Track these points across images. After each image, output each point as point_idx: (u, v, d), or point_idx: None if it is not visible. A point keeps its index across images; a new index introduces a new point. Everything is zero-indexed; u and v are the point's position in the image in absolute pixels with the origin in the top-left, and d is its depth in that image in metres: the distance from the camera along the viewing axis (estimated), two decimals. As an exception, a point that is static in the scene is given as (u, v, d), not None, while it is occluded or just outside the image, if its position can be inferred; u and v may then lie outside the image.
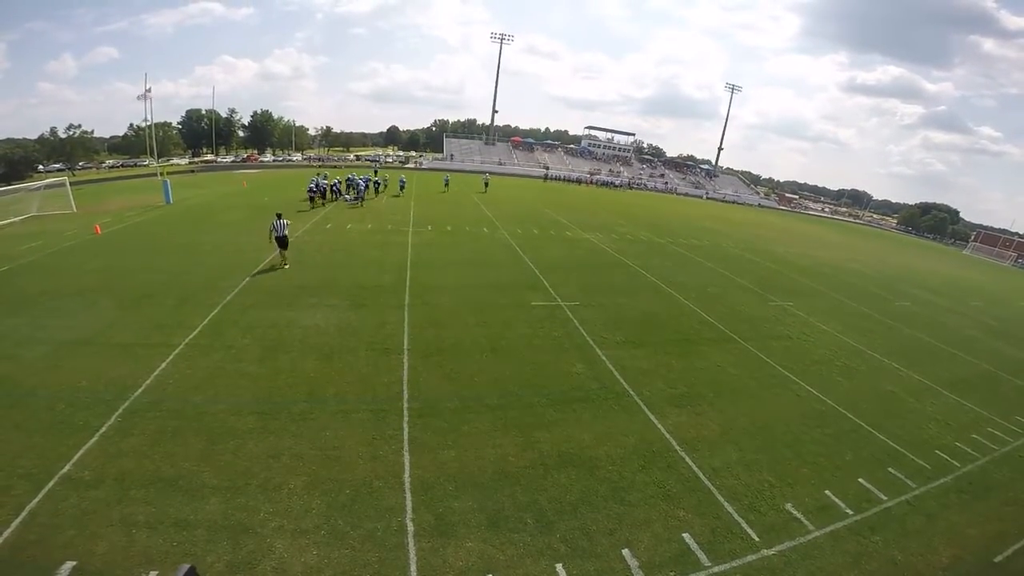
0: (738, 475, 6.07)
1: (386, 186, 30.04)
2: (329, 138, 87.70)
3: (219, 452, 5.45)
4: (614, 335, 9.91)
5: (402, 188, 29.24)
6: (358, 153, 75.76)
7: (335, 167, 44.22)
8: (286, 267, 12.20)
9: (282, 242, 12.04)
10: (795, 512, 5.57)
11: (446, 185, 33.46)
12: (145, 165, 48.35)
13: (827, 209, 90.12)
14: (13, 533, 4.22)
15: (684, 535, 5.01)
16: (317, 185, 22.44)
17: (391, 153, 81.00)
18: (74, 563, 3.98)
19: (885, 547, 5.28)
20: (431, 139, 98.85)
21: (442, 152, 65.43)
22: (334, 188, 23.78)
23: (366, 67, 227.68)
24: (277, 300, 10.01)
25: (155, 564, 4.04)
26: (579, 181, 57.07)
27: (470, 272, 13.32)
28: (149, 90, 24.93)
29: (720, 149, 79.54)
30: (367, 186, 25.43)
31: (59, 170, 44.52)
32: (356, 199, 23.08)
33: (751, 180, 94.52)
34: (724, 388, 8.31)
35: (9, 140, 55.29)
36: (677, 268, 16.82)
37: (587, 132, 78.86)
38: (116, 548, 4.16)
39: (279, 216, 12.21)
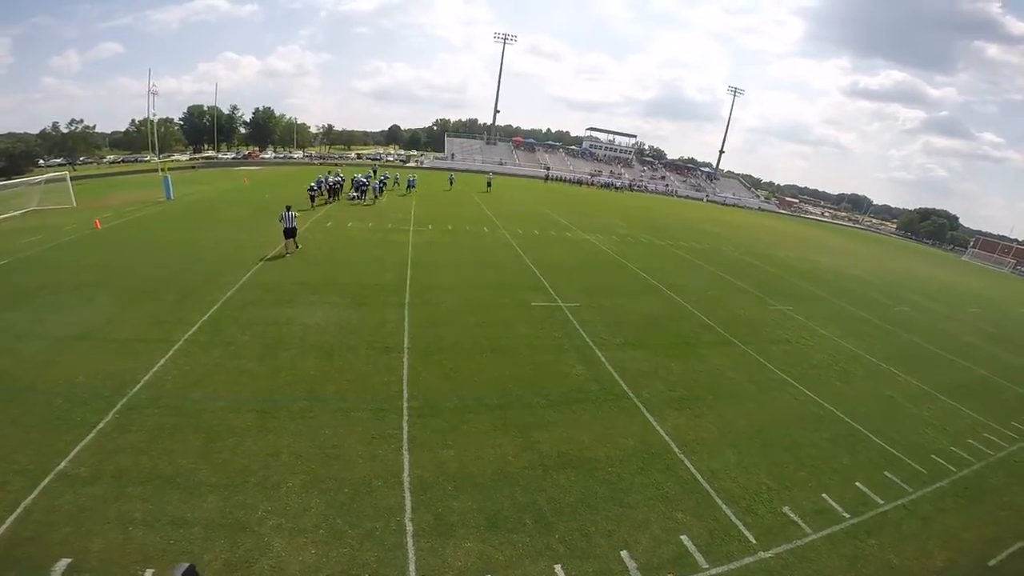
0: (736, 478, 6.08)
1: (396, 183, 30.36)
2: (331, 136, 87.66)
3: (217, 450, 5.43)
4: (614, 337, 9.91)
5: (409, 188, 28.79)
6: (359, 151, 75.69)
7: (336, 164, 44.19)
8: (287, 254, 12.96)
9: (290, 232, 12.98)
10: (792, 515, 5.58)
11: (451, 184, 34.16)
12: (146, 161, 48.26)
13: (827, 213, 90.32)
14: (8, 530, 4.20)
15: (682, 537, 5.01)
16: (320, 183, 22.21)
17: (392, 152, 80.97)
18: (69, 560, 3.96)
19: (881, 550, 5.29)
20: (432, 138, 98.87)
21: (443, 151, 65.44)
22: (338, 185, 23.31)
23: (369, 65, 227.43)
24: (277, 297, 10.00)
25: (152, 562, 4.03)
26: (580, 182, 57.06)
27: (471, 272, 13.33)
28: (154, 86, 24.91)
29: (721, 152, 79.71)
30: (382, 185, 25.74)
31: (60, 165, 44.43)
32: (360, 196, 23.07)
33: (752, 183, 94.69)
34: (723, 391, 8.33)
35: (11, 135, 55.14)
36: (677, 271, 16.85)
37: (588, 133, 78.94)
38: (112, 545, 4.14)
39: (288, 208, 13.12)
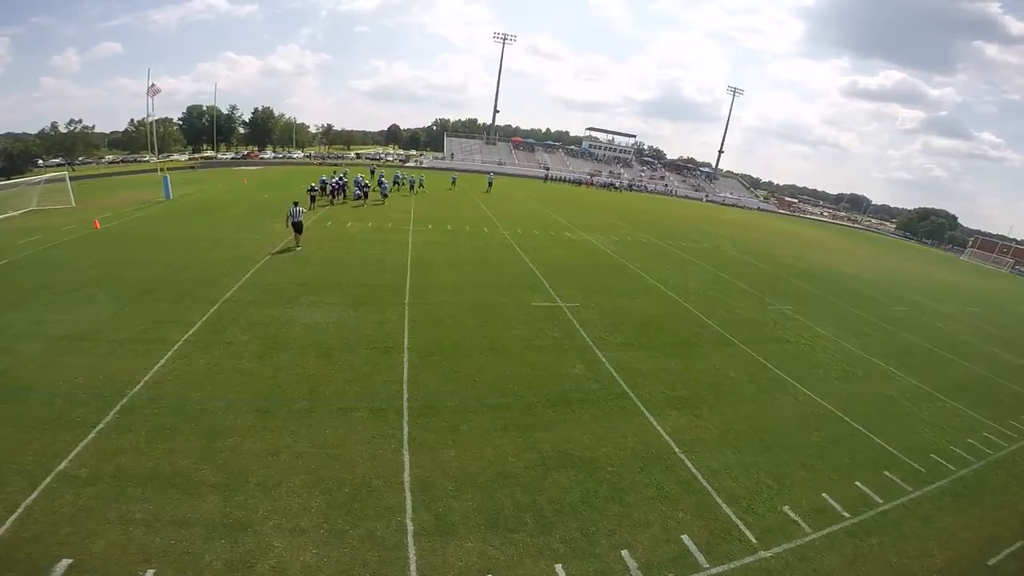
0: (736, 477, 6.09)
1: (405, 185, 28.66)
2: (330, 136, 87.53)
3: (218, 450, 5.43)
4: (614, 337, 9.92)
5: (412, 188, 28.14)
6: (358, 151, 75.62)
7: (337, 164, 44.14)
8: (299, 249, 13.56)
9: (297, 227, 13.61)
10: (792, 514, 5.59)
11: (452, 183, 34.48)
12: (145, 161, 48.18)
13: (826, 213, 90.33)
14: (8, 530, 4.20)
15: (683, 536, 5.02)
16: (323, 184, 21.98)
17: (391, 151, 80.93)
18: (70, 561, 3.96)
19: (881, 550, 5.31)
20: (432, 138, 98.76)
21: (443, 151, 65.41)
22: (341, 185, 22.78)
23: (368, 65, 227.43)
24: (277, 297, 9.99)
25: (152, 562, 4.03)
26: (579, 182, 57.08)
27: (470, 272, 13.33)
28: (153, 85, 24.83)
29: (720, 152, 79.70)
30: (394, 185, 25.65)
31: (59, 165, 44.37)
32: (363, 196, 23.03)
33: (751, 183, 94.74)
34: (723, 391, 8.34)
35: (9, 135, 55.12)
36: (677, 271, 16.86)
37: (588, 133, 78.93)
38: (113, 546, 4.14)
39: (295, 204, 13.87)
